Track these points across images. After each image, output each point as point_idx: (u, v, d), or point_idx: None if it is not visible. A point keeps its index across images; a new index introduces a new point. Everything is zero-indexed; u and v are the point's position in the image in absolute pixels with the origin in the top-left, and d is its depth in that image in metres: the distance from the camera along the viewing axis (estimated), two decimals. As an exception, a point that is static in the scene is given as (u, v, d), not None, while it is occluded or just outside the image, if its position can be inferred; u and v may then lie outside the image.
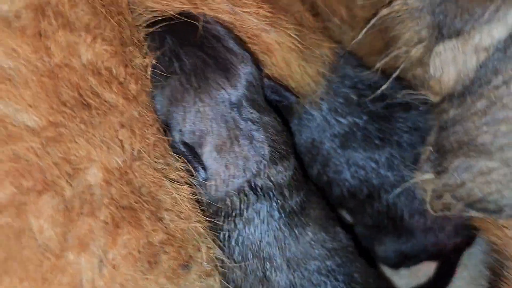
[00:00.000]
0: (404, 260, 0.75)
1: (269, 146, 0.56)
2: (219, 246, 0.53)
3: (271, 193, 0.57)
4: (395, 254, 0.75)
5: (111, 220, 0.45)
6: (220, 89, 0.54)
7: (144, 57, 0.52)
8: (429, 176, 0.58)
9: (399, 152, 0.70)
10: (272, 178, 0.57)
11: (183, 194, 0.50)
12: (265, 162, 0.56)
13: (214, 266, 0.52)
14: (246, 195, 0.56)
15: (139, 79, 0.51)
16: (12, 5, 0.45)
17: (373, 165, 0.70)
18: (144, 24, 0.55)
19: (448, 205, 0.57)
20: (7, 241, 0.41)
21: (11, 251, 0.41)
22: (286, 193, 0.58)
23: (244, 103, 0.56)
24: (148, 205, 0.47)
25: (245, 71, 0.56)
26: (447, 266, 0.76)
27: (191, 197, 0.51)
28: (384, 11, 0.69)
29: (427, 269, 0.77)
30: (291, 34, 0.60)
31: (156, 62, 0.54)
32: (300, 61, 0.62)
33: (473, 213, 0.54)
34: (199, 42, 0.56)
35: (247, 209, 0.56)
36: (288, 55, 0.62)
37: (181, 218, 0.49)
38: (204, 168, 0.54)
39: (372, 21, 0.69)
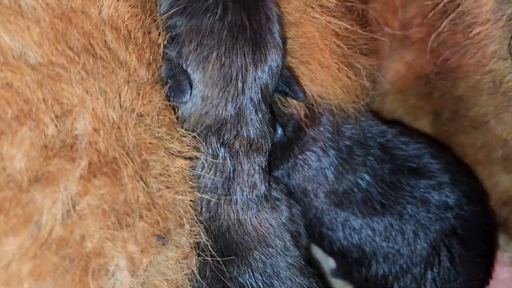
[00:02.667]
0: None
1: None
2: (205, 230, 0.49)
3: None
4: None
5: (88, 169, 0.43)
6: (243, 59, 0.52)
7: (160, 34, 0.51)
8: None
9: (399, 224, 0.63)
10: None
11: (177, 165, 0.48)
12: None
13: (193, 249, 0.48)
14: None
15: (154, 51, 0.50)
16: None
17: (369, 232, 0.64)
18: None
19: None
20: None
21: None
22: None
23: (255, 86, 0.53)
24: (133, 164, 0.44)
25: (273, 58, 0.54)
26: None
27: (186, 171, 0.48)
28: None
29: None
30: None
31: None
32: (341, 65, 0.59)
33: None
34: (250, 10, 0.54)
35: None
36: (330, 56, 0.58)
37: (168, 188, 0.46)
38: (190, 85, 0.51)
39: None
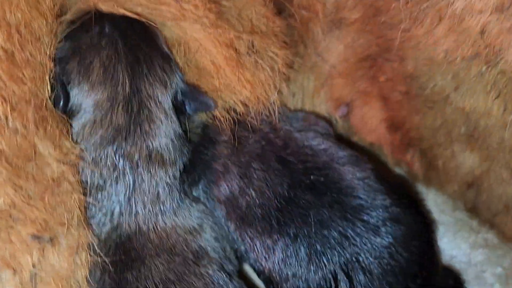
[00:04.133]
0: None
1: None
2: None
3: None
4: None
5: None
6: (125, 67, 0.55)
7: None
8: None
9: (293, 245, 0.60)
10: None
11: (60, 170, 0.51)
12: None
13: (81, 246, 0.51)
14: None
15: (36, 66, 0.52)
16: None
17: (269, 251, 0.61)
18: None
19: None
20: None
21: None
22: None
23: (147, 93, 0.56)
24: (6, 170, 0.48)
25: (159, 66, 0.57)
26: None
27: (70, 176, 0.51)
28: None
29: None
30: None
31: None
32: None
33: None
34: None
35: None
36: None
37: (47, 190, 0.49)
38: (66, 102, 0.55)
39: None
